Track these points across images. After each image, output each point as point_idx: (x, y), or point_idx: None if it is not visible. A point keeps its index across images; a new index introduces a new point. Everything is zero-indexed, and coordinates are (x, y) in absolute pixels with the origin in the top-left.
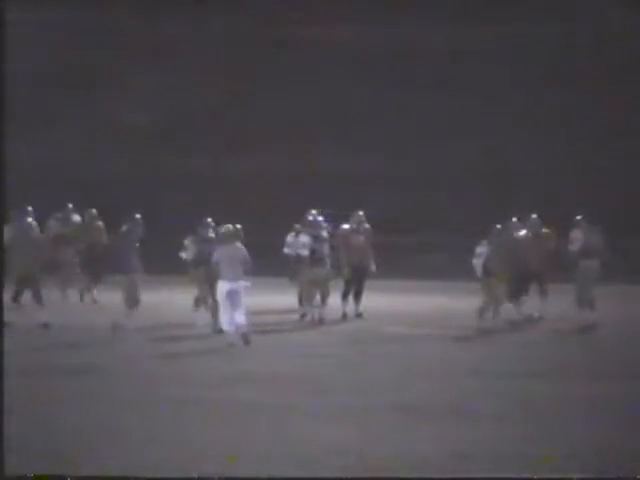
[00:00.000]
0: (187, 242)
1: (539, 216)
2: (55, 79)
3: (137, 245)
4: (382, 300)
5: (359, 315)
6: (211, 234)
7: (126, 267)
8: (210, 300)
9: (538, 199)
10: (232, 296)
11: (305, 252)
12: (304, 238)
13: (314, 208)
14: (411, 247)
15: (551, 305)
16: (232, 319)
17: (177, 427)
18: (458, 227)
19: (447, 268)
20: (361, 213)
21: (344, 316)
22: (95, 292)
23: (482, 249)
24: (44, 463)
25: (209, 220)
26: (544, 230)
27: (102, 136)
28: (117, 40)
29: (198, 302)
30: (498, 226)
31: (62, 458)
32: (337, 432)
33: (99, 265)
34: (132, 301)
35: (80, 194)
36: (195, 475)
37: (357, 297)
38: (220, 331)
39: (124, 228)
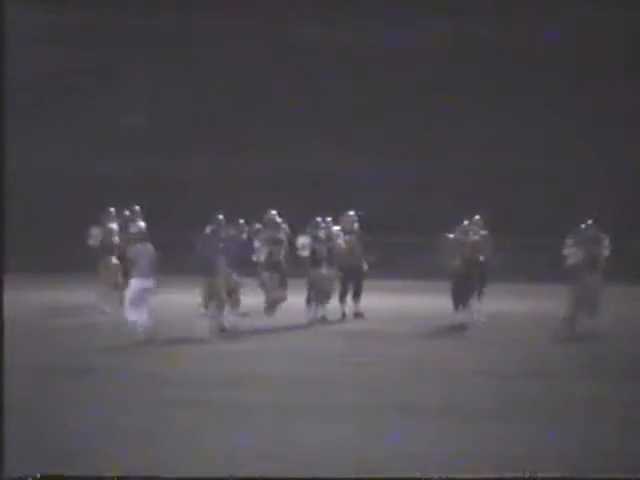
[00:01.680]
0: (258, 245)
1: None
2: (54, 79)
3: (221, 246)
4: (382, 300)
5: (359, 315)
6: (281, 235)
7: (210, 269)
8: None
9: (543, 201)
10: (143, 294)
11: (305, 253)
12: (303, 239)
13: (305, 209)
14: (412, 247)
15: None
16: (138, 316)
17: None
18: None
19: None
20: (352, 213)
21: (343, 316)
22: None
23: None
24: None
25: (278, 220)
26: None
27: (102, 136)
28: (117, 40)
29: (273, 305)
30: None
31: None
32: (337, 432)
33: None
34: (220, 302)
35: (80, 194)
36: (195, 475)
37: (356, 297)
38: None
39: (208, 229)
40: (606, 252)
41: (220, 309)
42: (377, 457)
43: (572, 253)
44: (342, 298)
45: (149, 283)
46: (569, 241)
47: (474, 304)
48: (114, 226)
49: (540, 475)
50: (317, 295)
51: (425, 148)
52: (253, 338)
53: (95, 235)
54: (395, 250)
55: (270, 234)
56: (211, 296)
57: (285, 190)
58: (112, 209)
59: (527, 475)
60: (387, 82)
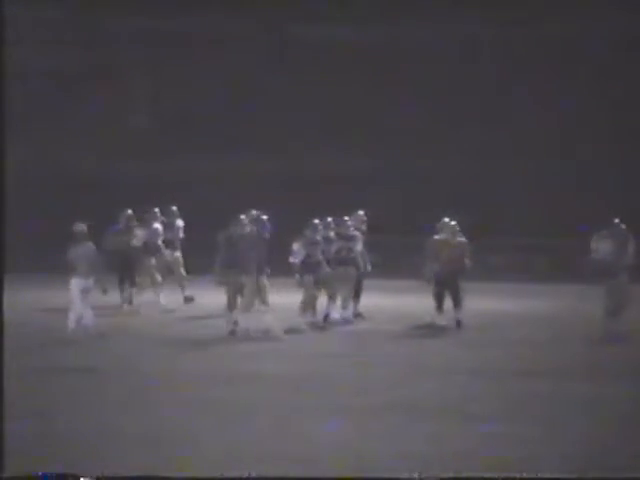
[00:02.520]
0: (296, 246)
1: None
2: (55, 79)
3: (263, 246)
4: (383, 300)
5: (359, 315)
6: (319, 237)
7: (249, 268)
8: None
9: (541, 201)
10: (85, 294)
11: (296, 260)
12: (296, 245)
13: (315, 211)
14: (413, 247)
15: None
16: (81, 317)
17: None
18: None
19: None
20: (361, 213)
21: (358, 316)
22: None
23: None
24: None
25: (317, 222)
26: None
27: (103, 136)
28: (117, 40)
29: (306, 306)
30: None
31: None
32: (337, 431)
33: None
34: (249, 304)
35: (80, 194)
36: (195, 475)
37: (356, 297)
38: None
39: (248, 228)
40: (632, 251)
41: (247, 310)
42: (377, 457)
43: (599, 249)
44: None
45: (88, 283)
46: (596, 237)
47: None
48: (159, 226)
49: (540, 475)
50: (309, 299)
51: (426, 148)
52: (259, 338)
53: (139, 236)
54: (396, 250)
55: (308, 235)
56: (237, 297)
57: (286, 190)
58: (157, 209)
59: (527, 475)
60: (387, 82)
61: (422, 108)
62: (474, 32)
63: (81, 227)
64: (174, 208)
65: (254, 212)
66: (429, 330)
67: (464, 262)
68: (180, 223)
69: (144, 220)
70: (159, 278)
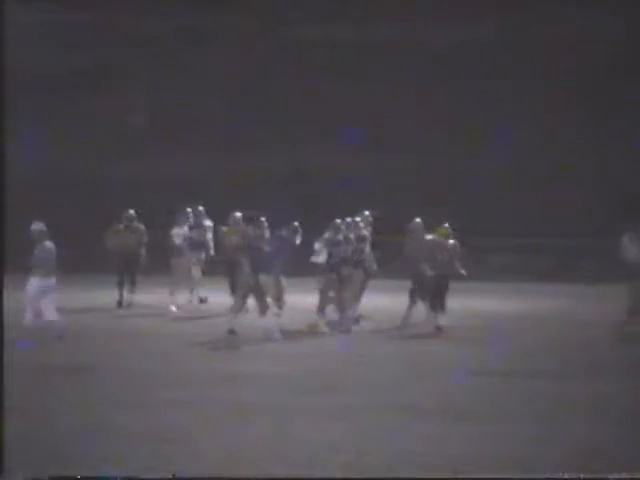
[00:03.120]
0: (318, 246)
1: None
2: (54, 79)
3: (290, 252)
4: (382, 300)
5: (360, 315)
6: (340, 237)
7: (271, 269)
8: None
9: (542, 200)
10: (44, 293)
11: (320, 259)
12: (317, 245)
13: (310, 209)
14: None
15: None
16: (37, 316)
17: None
18: (461, 227)
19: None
20: (367, 213)
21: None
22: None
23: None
24: None
25: (339, 222)
26: None
27: (102, 137)
28: (117, 40)
29: (325, 306)
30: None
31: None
32: (337, 431)
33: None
34: (280, 305)
35: (79, 194)
36: (195, 475)
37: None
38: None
39: (283, 232)
40: None
41: (263, 311)
42: (377, 457)
43: (630, 250)
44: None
45: (49, 282)
46: (627, 238)
47: (428, 311)
48: (209, 223)
49: (540, 475)
50: (330, 299)
51: (427, 147)
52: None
53: (178, 234)
54: (396, 249)
55: (331, 236)
56: (260, 297)
57: (286, 190)
58: (189, 209)
59: (527, 475)
60: (387, 82)
61: (422, 108)
62: (474, 32)
63: (39, 226)
64: (201, 208)
65: (237, 214)
66: (428, 330)
67: (455, 264)
68: (208, 223)
69: (179, 220)
70: (197, 276)
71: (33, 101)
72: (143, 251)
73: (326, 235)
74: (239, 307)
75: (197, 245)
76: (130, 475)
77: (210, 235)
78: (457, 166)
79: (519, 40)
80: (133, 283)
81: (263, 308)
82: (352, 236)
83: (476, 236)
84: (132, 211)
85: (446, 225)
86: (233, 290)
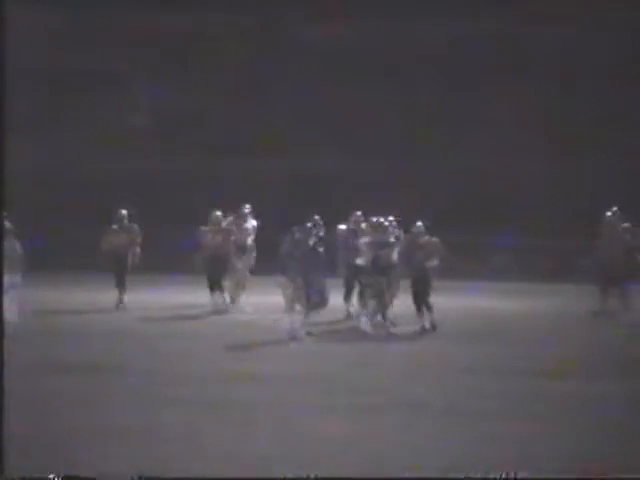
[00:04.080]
0: (363, 246)
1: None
2: (54, 79)
3: (316, 248)
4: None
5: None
6: (384, 238)
7: (297, 272)
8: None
9: (543, 200)
10: (9, 290)
11: (362, 262)
12: (362, 245)
13: (313, 212)
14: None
15: None
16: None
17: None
18: (461, 227)
19: (446, 268)
20: (359, 213)
21: (348, 315)
22: None
23: None
24: None
25: (382, 221)
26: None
27: (103, 137)
28: (117, 40)
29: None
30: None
31: None
32: (337, 431)
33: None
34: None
35: (79, 194)
36: (195, 475)
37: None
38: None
39: (296, 234)
40: None
41: (292, 310)
42: (378, 457)
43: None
44: (347, 297)
45: (13, 280)
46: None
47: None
48: (249, 226)
49: (540, 475)
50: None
51: (427, 147)
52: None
53: (247, 230)
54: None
55: (376, 237)
56: (297, 299)
57: (286, 190)
58: (247, 209)
59: (527, 475)
60: (387, 81)
61: (422, 108)
62: (474, 32)
63: (6, 223)
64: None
65: (316, 217)
66: (428, 330)
67: (429, 263)
68: (253, 223)
69: (234, 220)
70: (246, 278)
71: (33, 101)
72: (138, 250)
73: (366, 238)
74: (289, 306)
75: (243, 247)
76: (130, 475)
77: (253, 236)
78: (457, 166)
79: (519, 40)
80: (123, 284)
81: (291, 307)
82: (393, 238)
83: (476, 236)
84: (124, 211)
85: (419, 224)
86: (212, 287)
